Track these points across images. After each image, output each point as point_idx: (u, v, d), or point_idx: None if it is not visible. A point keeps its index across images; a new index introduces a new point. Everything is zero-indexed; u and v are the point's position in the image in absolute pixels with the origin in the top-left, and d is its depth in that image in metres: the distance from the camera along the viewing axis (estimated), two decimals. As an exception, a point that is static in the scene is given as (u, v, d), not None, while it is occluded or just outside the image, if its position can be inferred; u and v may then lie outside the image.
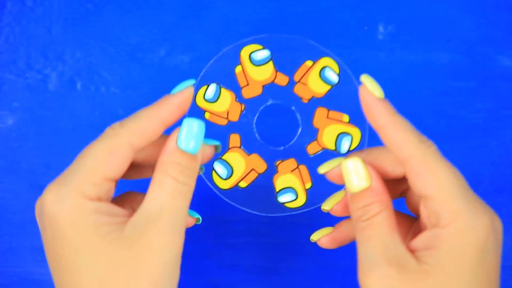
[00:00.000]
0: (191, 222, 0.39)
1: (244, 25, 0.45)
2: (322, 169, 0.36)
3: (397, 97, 0.44)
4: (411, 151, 0.32)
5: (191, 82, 0.34)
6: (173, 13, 0.45)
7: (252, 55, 0.37)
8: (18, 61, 0.44)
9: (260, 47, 0.36)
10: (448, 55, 0.45)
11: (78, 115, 0.44)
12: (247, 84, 0.37)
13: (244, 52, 0.37)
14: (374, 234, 0.32)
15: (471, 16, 0.45)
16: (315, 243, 0.44)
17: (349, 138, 0.37)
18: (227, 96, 0.37)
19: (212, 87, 0.36)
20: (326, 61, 0.37)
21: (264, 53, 0.36)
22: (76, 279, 0.31)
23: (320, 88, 0.37)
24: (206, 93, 0.36)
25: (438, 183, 0.32)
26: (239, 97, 0.37)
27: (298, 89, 0.37)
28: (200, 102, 0.36)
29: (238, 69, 0.37)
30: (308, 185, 0.37)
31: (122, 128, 0.33)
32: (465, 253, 0.31)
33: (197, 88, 0.36)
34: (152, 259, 0.31)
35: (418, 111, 0.45)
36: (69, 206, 0.31)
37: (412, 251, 0.32)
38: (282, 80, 0.37)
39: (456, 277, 0.31)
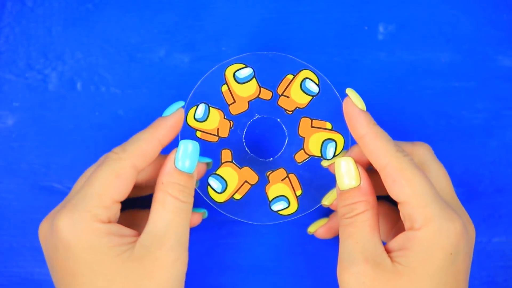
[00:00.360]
0: (198, 219, 0.41)
1: (244, 25, 0.45)
2: (325, 163, 0.39)
3: (397, 97, 0.44)
4: (387, 159, 0.34)
5: (180, 104, 0.37)
6: (173, 13, 0.45)
7: (236, 73, 0.39)
8: (18, 61, 0.45)
9: (243, 65, 0.39)
10: (448, 55, 0.45)
11: (78, 115, 0.44)
12: (234, 101, 0.39)
13: (229, 72, 0.39)
14: (355, 232, 0.34)
15: (471, 16, 0.45)
16: (314, 244, 0.44)
17: (333, 144, 0.38)
18: (215, 114, 0.39)
19: (201, 107, 0.38)
20: (305, 73, 0.39)
21: (247, 71, 0.39)
22: None
23: (302, 99, 0.39)
24: (196, 113, 0.38)
25: (412, 189, 0.33)
26: (227, 114, 0.39)
27: (282, 102, 0.39)
28: (191, 122, 0.38)
29: (224, 88, 0.39)
30: (299, 192, 0.39)
31: (124, 152, 0.35)
32: (435, 255, 0.33)
33: (187, 109, 0.38)
34: (162, 276, 0.33)
35: (418, 111, 0.45)
36: (83, 231, 0.33)
37: (388, 251, 0.34)
38: (266, 94, 0.39)
39: (426, 278, 0.33)
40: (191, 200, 0.35)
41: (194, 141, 0.36)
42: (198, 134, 0.38)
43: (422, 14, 0.45)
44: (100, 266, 0.32)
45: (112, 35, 0.45)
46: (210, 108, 0.38)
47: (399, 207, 0.35)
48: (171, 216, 0.34)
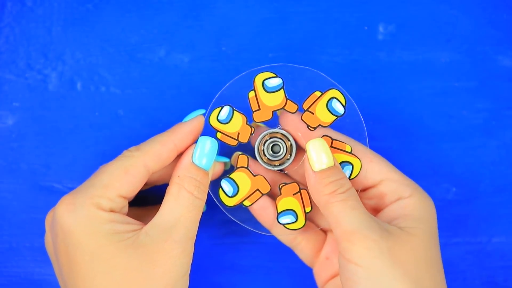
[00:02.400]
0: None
1: (243, 25, 0.45)
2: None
3: (397, 97, 0.45)
4: (359, 146, 0.38)
5: (201, 111, 0.38)
6: (173, 13, 0.45)
7: (266, 82, 0.38)
8: (18, 61, 0.45)
9: (273, 75, 0.38)
10: (448, 55, 0.45)
11: (78, 115, 0.44)
12: (259, 109, 0.38)
13: (258, 79, 0.38)
14: (357, 204, 0.34)
15: (471, 16, 0.45)
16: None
17: (349, 167, 0.38)
18: (239, 118, 0.38)
19: (226, 109, 0.38)
20: (333, 92, 0.39)
21: (277, 81, 0.38)
22: (92, 284, 0.32)
23: (326, 118, 0.39)
24: (220, 114, 0.38)
25: (389, 166, 0.38)
26: (250, 120, 0.39)
27: (306, 117, 0.39)
28: (214, 122, 0.38)
29: (251, 94, 0.38)
30: (308, 209, 0.39)
31: (138, 151, 0.35)
32: (430, 218, 0.36)
33: (211, 109, 0.38)
34: (167, 266, 0.33)
35: (418, 111, 0.45)
36: (84, 216, 0.33)
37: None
38: (292, 107, 0.39)
39: (430, 237, 0.35)
40: (205, 197, 0.36)
41: (213, 139, 0.36)
42: (219, 135, 0.38)
43: (422, 14, 0.45)
44: (101, 252, 0.32)
45: (112, 35, 0.45)
46: (235, 111, 0.38)
47: (377, 187, 0.37)
48: (183, 210, 0.34)
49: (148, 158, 0.35)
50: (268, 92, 0.38)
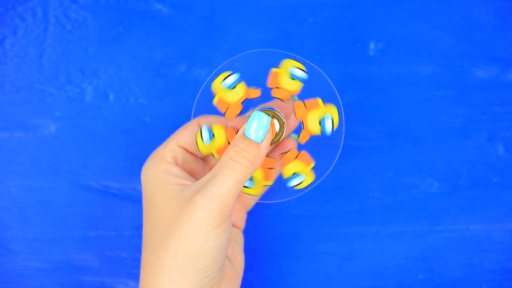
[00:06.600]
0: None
1: (253, 43, 0.50)
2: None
3: (386, 104, 0.49)
4: None
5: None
6: (192, 34, 0.50)
7: (293, 69, 0.38)
8: (59, 77, 0.50)
9: (303, 67, 0.38)
10: (430, 68, 0.50)
11: (111, 123, 0.49)
12: (278, 87, 0.38)
13: (287, 63, 0.38)
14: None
15: (449, 34, 0.50)
16: (316, 233, 0.49)
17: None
18: (239, 91, 0.38)
19: (233, 77, 0.38)
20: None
21: (303, 74, 0.38)
22: (145, 226, 0.37)
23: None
24: (226, 79, 0.38)
25: None
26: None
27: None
28: (216, 86, 0.38)
29: (274, 69, 0.38)
30: (268, 183, 0.39)
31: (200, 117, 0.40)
32: None
33: (218, 72, 0.39)
34: (188, 216, 0.34)
35: (404, 117, 0.50)
36: (150, 167, 0.37)
37: None
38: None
39: None
40: (247, 163, 0.35)
41: (266, 116, 0.35)
42: (216, 100, 0.38)
43: (407, 33, 0.50)
44: (154, 199, 0.36)
45: (140, 53, 0.50)
46: (239, 84, 0.38)
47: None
48: (216, 169, 0.35)
49: (202, 119, 0.40)
50: (290, 77, 0.38)
